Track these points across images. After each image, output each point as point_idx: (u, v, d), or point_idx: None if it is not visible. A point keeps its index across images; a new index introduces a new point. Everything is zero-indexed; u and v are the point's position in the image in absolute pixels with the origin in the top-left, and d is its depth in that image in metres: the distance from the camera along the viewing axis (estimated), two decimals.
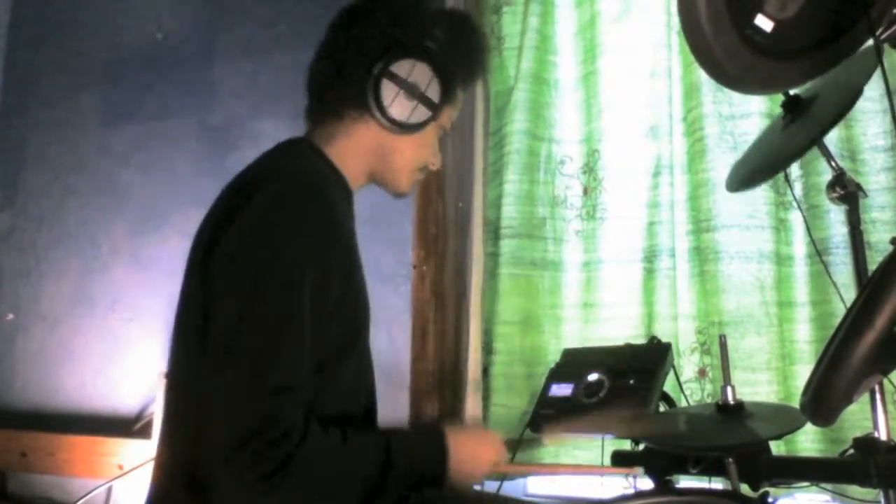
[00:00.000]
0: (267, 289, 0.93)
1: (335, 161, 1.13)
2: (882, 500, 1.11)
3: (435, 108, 1.12)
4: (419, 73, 1.10)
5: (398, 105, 1.10)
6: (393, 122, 1.11)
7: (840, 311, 1.49)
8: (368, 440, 0.99)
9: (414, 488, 1.02)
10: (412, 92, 1.10)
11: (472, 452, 1.06)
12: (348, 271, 1.04)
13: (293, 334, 0.93)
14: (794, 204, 1.69)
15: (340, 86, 1.13)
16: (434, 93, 1.11)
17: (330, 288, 0.99)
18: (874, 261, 1.14)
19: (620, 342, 1.65)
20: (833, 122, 1.23)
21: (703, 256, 1.74)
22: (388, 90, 1.09)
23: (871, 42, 1.12)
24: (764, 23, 1.08)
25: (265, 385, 0.89)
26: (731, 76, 1.15)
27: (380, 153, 1.15)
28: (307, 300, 0.95)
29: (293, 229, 0.97)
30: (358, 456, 0.96)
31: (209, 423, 0.90)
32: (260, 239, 0.96)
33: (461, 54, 1.16)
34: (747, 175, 1.37)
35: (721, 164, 1.71)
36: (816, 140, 1.24)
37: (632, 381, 1.38)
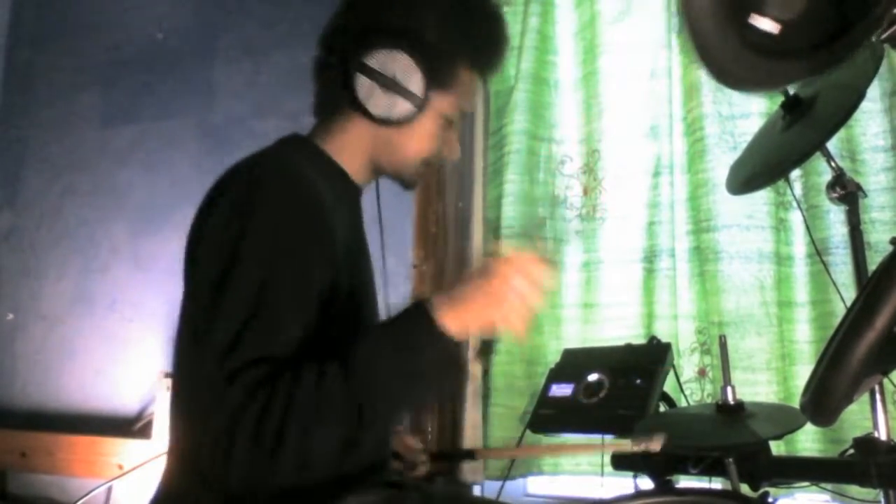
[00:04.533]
0: (244, 256, 0.89)
1: (334, 156, 1.11)
2: (882, 500, 1.11)
3: (418, 101, 1.04)
4: (398, 63, 1.02)
5: (377, 99, 1.03)
6: (374, 118, 1.05)
7: (840, 311, 1.49)
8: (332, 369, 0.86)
9: (424, 376, 0.89)
10: (389, 85, 1.03)
11: (473, 289, 0.89)
12: (330, 259, 0.99)
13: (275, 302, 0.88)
14: (794, 204, 1.69)
15: (326, 81, 1.11)
16: (416, 83, 1.03)
17: (309, 271, 0.94)
18: (874, 261, 1.14)
19: (620, 342, 1.65)
20: (837, 126, 1.23)
21: (703, 256, 1.74)
22: (364, 85, 1.03)
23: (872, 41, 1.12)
24: (764, 23, 1.08)
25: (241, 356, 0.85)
26: (732, 75, 1.15)
27: (377, 148, 1.10)
28: (288, 271, 0.91)
29: (269, 209, 0.93)
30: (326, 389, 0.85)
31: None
32: (237, 218, 0.93)
33: (458, 35, 1.07)
34: (750, 178, 1.37)
35: (721, 164, 1.71)
36: (821, 145, 1.23)
37: (632, 381, 1.39)
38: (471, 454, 1.32)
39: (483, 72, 1.13)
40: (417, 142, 1.10)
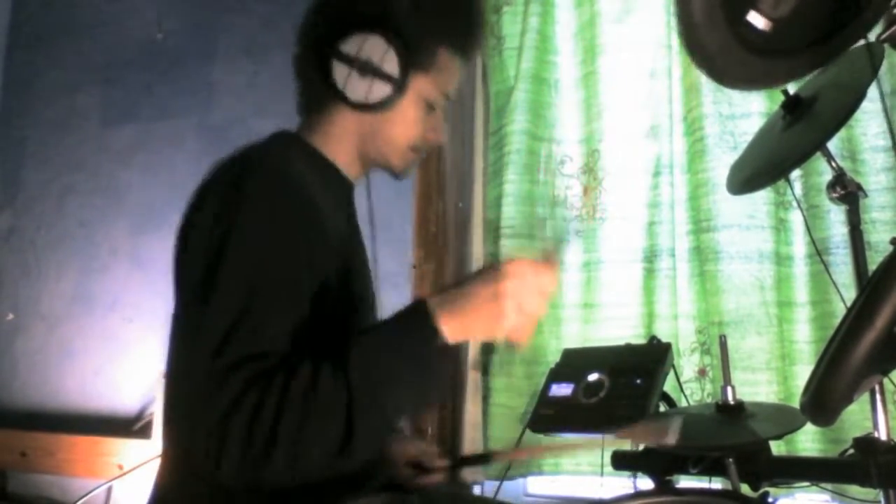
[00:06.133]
0: (232, 254, 0.89)
1: (323, 151, 1.10)
2: (882, 500, 1.11)
3: (396, 82, 1.03)
4: (372, 46, 1.02)
5: (354, 84, 1.03)
6: (354, 104, 1.04)
7: (840, 311, 1.49)
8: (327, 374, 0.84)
9: (421, 384, 0.87)
10: (365, 69, 1.02)
11: (475, 294, 0.87)
12: (321, 253, 0.98)
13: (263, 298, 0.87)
14: (794, 204, 1.69)
15: (306, 76, 1.11)
16: (392, 65, 1.02)
17: (298, 266, 0.93)
18: (874, 261, 1.14)
19: (620, 342, 1.65)
20: (838, 127, 1.23)
21: (703, 256, 1.74)
22: (340, 71, 1.03)
23: (870, 41, 1.12)
24: (757, 20, 1.08)
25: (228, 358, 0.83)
26: (723, 72, 1.15)
27: (362, 137, 1.10)
28: (277, 266, 0.90)
29: (256, 204, 0.93)
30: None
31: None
32: (224, 216, 0.92)
33: (433, 14, 1.06)
34: (750, 178, 1.37)
35: (721, 164, 1.71)
36: (821, 145, 1.23)
37: (632, 381, 1.38)
38: (487, 458, 1.29)
39: (462, 51, 1.12)
40: (401, 127, 1.09)
